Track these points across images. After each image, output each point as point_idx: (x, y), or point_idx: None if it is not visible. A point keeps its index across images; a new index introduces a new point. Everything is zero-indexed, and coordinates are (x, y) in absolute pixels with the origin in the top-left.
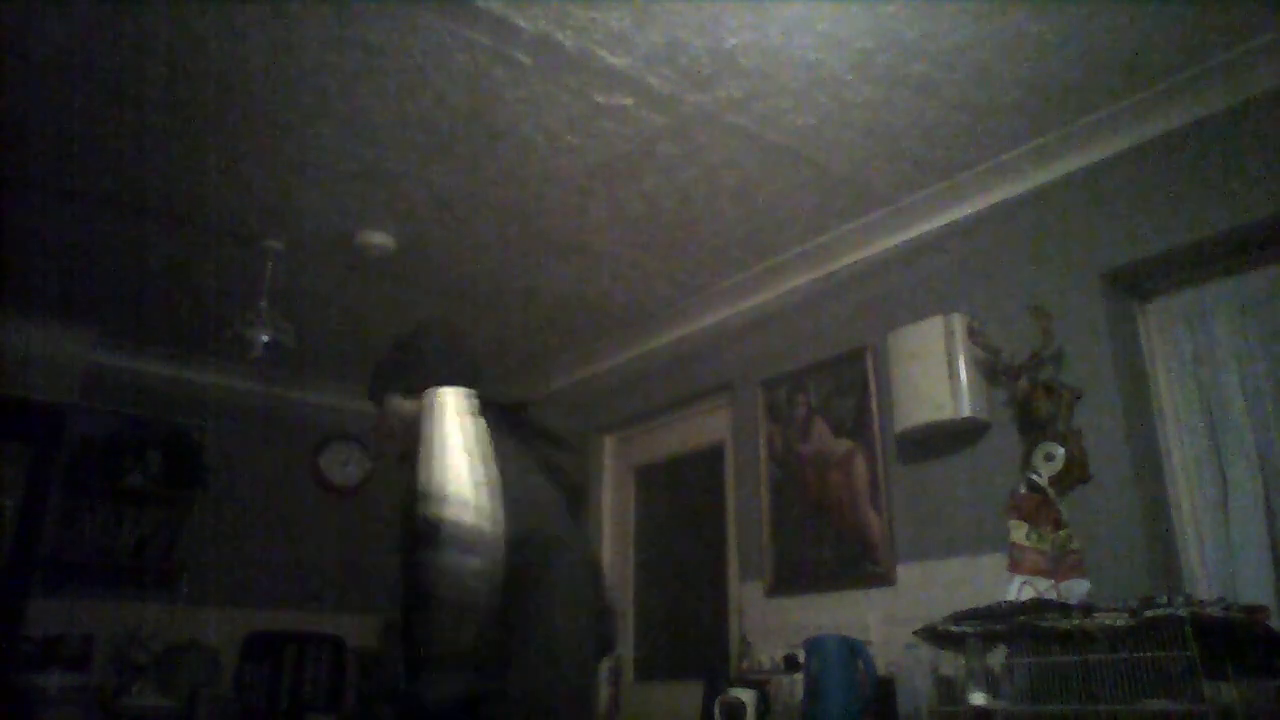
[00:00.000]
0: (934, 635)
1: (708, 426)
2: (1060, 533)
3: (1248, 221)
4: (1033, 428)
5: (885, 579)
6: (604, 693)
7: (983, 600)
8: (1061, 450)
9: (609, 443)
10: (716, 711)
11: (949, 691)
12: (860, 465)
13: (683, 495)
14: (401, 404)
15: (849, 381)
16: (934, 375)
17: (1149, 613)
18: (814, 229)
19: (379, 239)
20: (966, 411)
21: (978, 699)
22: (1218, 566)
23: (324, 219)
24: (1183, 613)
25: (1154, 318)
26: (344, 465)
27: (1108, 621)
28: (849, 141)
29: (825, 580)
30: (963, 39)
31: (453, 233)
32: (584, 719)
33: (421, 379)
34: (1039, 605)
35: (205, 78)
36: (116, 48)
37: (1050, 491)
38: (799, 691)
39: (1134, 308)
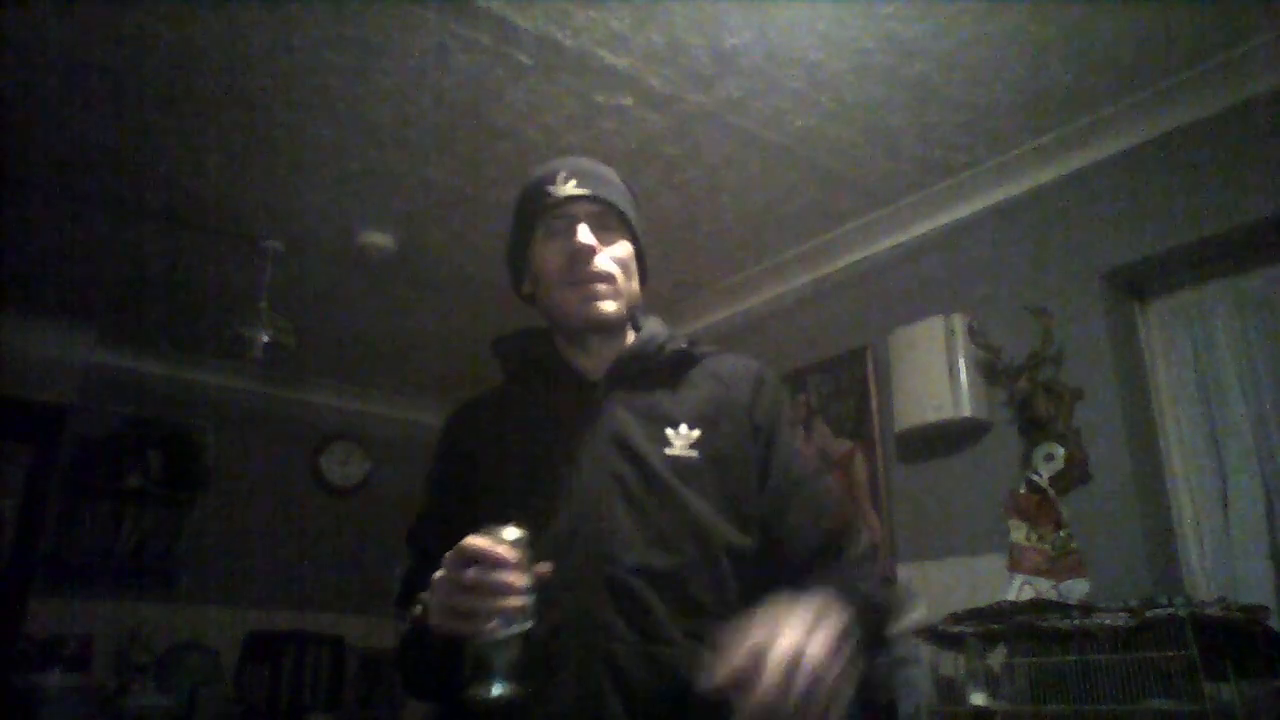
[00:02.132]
0: (934, 635)
1: None
2: (1060, 533)
3: (1248, 221)
4: (1033, 428)
5: (885, 579)
6: None
7: (983, 600)
8: (1061, 450)
9: None
10: None
11: (949, 691)
12: (860, 465)
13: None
14: (630, 252)
15: (849, 381)
16: (934, 375)
17: (1149, 613)
18: (814, 229)
19: (379, 239)
20: (966, 411)
21: (978, 699)
22: (1218, 566)
23: (324, 219)
24: (1183, 613)
25: (1154, 318)
26: (344, 465)
27: (1108, 621)
28: (849, 141)
29: None
30: (962, 39)
31: (453, 233)
32: None
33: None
34: (1039, 605)
35: (205, 78)
36: (116, 48)
37: (1050, 491)
38: None
39: (1134, 308)
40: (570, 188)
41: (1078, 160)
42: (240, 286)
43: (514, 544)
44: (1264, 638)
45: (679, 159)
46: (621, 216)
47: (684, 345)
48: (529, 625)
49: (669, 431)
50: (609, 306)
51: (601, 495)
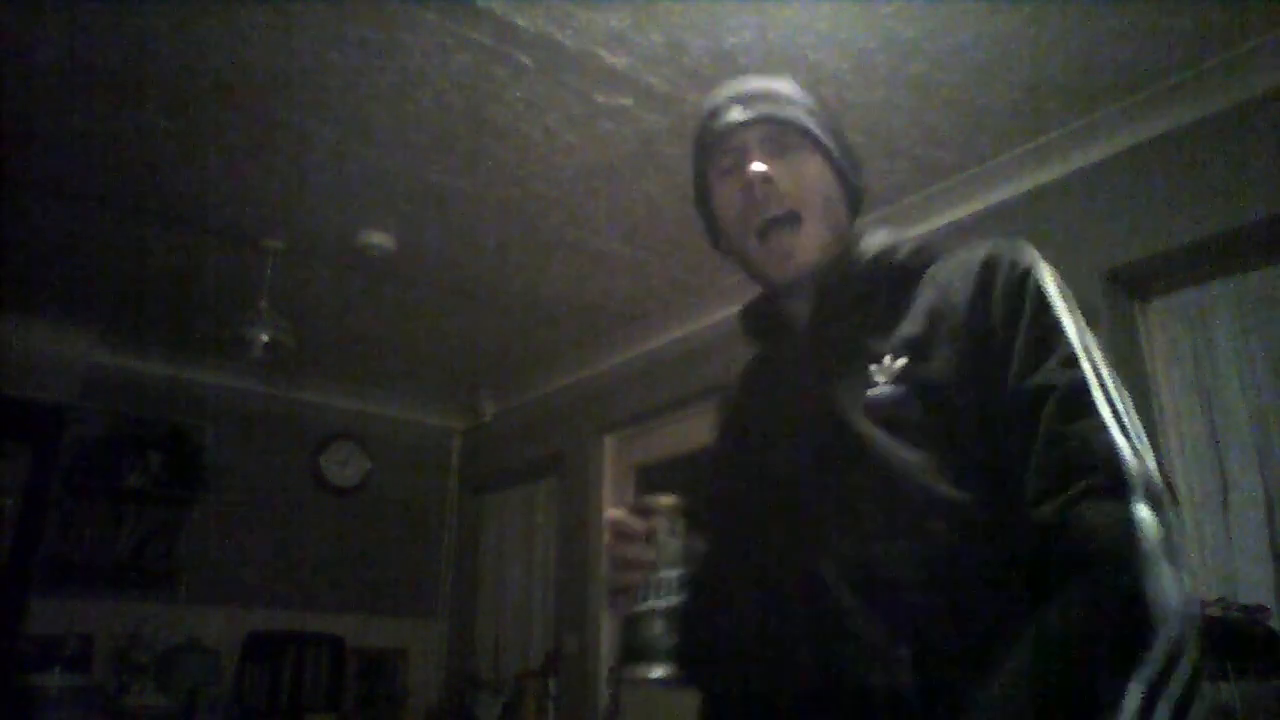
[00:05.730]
0: None
1: (708, 426)
2: None
3: (1248, 221)
4: None
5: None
6: (603, 695)
7: None
8: None
9: (609, 443)
10: None
11: None
12: None
13: (683, 495)
14: (824, 173)
15: None
16: None
17: None
18: None
19: (379, 239)
20: None
21: None
22: (1218, 566)
23: (324, 219)
24: None
25: (1154, 318)
26: (344, 465)
27: None
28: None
29: None
30: (962, 39)
31: (453, 233)
32: None
33: (858, 177)
34: None
35: (205, 78)
36: (116, 48)
37: None
38: None
39: (1134, 308)
40: (736, 114)
41: (1078, 160)
42: (240, 286)
43: (657, 512)
44: (1264, 638)
45: (679, 159)
46: (807, 133)
47: (898, 257)
48: (665, 603)
49: (873, 368)
50: (805, 255)
51: (795, 471)
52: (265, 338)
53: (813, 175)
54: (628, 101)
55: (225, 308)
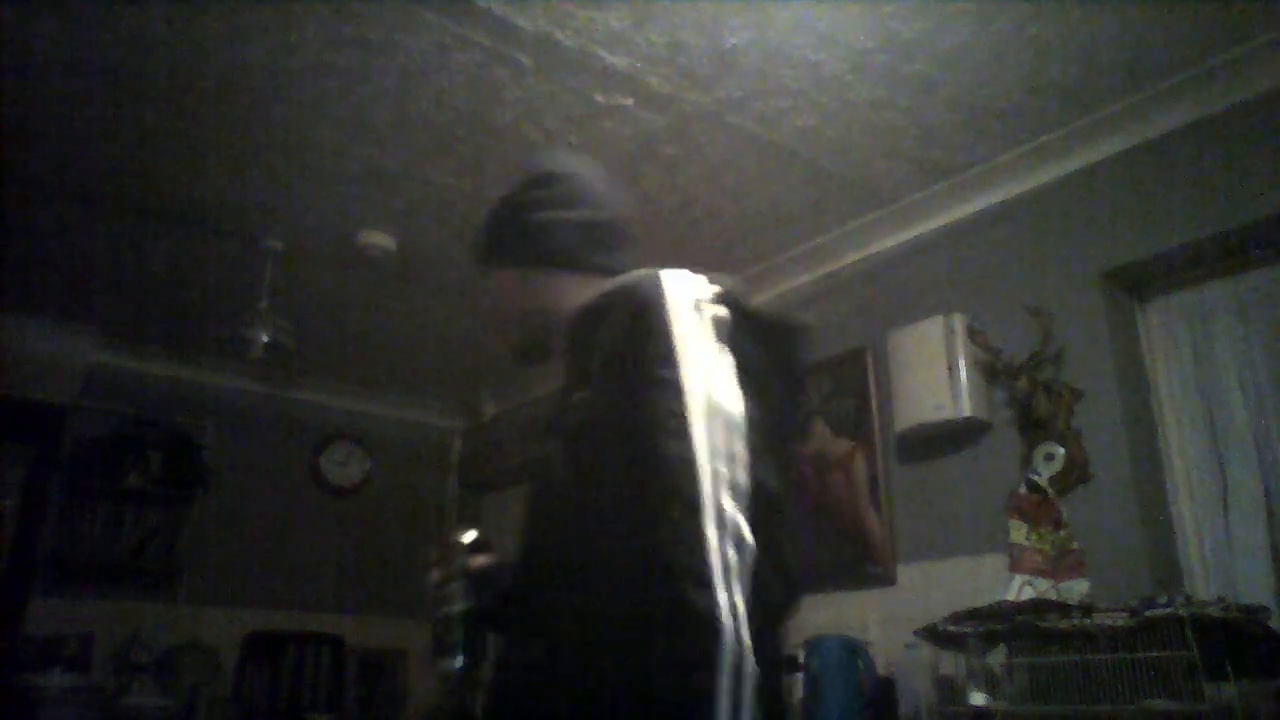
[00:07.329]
0: (934, 635)
1: None
2: (1060, 533)
3: (1248, 221)
4: (1033, 428)
5: (885, 579)
6: None
7: (983, 600)
8: (1061, 450)
9: None
10: None
11: (949, 691)
12: (860, 465)
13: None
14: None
15: (849, 381)
16: (934, 375)
17: (1149, 613)
18: (814, 229)
19: (379, 239)
20: (966, 411)
21: (978, 699)
22: (1218, 566)
23: (324, 219)
24: (1183, 613)
25: (1154, 318)
26: (344, 465)
27: (1108, 621)
28: (849, 141)
29: (825, 580)
30: (962, 39)
31: (453, 233)
32: None
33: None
34: (1039, 605)
35: (205, 78)
36: (116, 48)
37: (1050, 491)
38: (799, 691)
39: (1134, 308)
40: None
41: (1078, 160)
42: (240, 286)
43: (450, 544)
44: (1264, 638)
45: (679, 159)
46: (488, 264)
47: (593, 301)
48: (449, 610)
49: (575, 397)
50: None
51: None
52: (265, 338)
53: (504, 287)
54: (628, 101)
55: (225, 308)
